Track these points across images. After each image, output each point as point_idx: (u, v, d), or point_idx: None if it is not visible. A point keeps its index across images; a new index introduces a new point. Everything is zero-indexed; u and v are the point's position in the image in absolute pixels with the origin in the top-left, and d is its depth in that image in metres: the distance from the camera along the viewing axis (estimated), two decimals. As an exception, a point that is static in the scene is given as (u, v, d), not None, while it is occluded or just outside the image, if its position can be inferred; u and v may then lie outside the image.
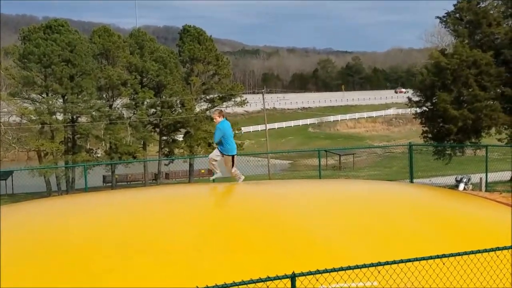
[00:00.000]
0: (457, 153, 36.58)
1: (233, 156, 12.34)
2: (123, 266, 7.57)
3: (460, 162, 36.11)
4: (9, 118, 56.35)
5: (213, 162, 12.35)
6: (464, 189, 20.77)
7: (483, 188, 20.89)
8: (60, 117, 53.05)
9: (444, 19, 40.44)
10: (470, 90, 35.77)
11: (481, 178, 21.47)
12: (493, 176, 25.04)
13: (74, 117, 53.00)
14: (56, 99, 52.87)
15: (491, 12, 37.88)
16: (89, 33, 59.58)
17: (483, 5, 38.23)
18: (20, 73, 50.88)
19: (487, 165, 19.94)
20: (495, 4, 38.42)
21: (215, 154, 12.37)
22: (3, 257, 7.76)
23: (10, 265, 7.53)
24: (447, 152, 35.87)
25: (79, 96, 51.57)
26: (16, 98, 52.22)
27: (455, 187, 21.52)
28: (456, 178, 22.41)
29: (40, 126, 51.89)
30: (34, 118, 51.54)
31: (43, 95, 52.50)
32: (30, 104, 52.76)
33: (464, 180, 21.49)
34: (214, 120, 12.43)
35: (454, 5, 39.59)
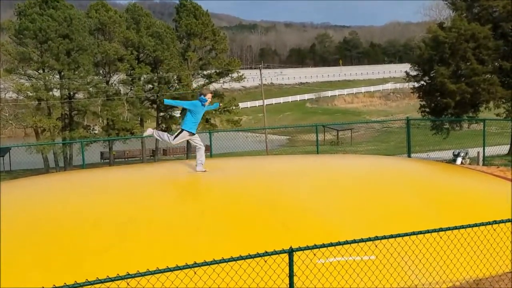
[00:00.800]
0: (455, 127, 36.53)
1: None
2: (121, 244, 7.59)
3: (458, 137, 36.11)
4: (5, 94, 56.12)
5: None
6: (462, 163, 20.79)
7: (481, 162, 20.94)
8: (57, 93, 52.81)
9: (443, -8, 40.10)
10: (468, 64, 35.58)
11: (478, 152, 21.49)
12: (490, 150, 25.12)
13: (71, 93, 52.75)
14: (53, 75, 52.57)
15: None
16: (86, 9, 59.08)
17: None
18: (16, 49, 50.50)
19: (484, 139, 19.95)
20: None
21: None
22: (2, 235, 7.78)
23: (9, 243, 7.55)
24: (445, 126, 35.85)
25: (76, 72, 51.27)
26: (12, 74, 51.91)
27: (452, 161, 21.55)
28: (453, 152, 22.42)
29: (37, 102, 51.68)
30: (30, 94, 51.30)
31: (39, 71, 52.19)
32: (27, 80, 52.46)
33: (462, 154, 21.50)
34: (208, 100, 11.45)
35: (452, -22, 39.24)
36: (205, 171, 10.77)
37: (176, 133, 11.09)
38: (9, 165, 53.30)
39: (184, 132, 10.97)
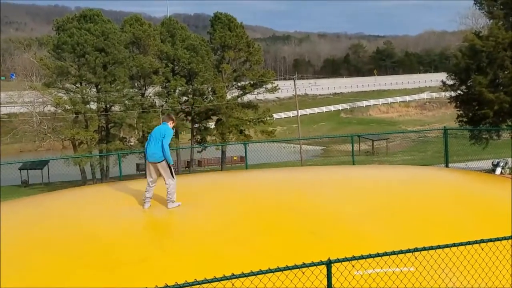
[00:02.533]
0: (493, 136, 35.85)
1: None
2: (155, 255, 7.62)
3: (497, 146, 35.39)
4: (44, 108, 57.26)
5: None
6: (501, 173, 20.38)
7: (521, 172, 20.50)
8: (93, 106, 53.68)
9: (479, 0, 39.56)
10: (506, 72, 34.97)
11: (518, 162, 21.07)
12: (530, 160, 24.52)
13: (108, 106, 53.56)
14: (90, 89, 53.50)
15: (528, -8, 36.91)
16: (120, 23, 60.02)
17: (519, -15, 37.29)
18: (54, 63, 51.56)
19: (524, 148, 19.53)
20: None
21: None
22: (35, 243, 7.89)
23: (39, 254, 7.65)
24: (484, 136, 35.21)
25: (112, 85, 52.08)
26: (51, 88, 52.97)
27: (491, 171, 21.13)
28: (492, 162, 22.01)
29: (74, 115, 52.60)
30: (68, 107, 52.26)
31: (77, 85, 53.17)
32: (65, 94, 53.48)
33: (501, 164, 21.09)
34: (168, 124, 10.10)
35: (489, -14, 38.67)
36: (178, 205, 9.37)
37: (170, 172, 9.68)
38: (47, 177, 54.26)
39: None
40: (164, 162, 9.64)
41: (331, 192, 10.39)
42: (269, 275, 5.91)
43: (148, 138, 10.13)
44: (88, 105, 52.77)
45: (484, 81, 34.37)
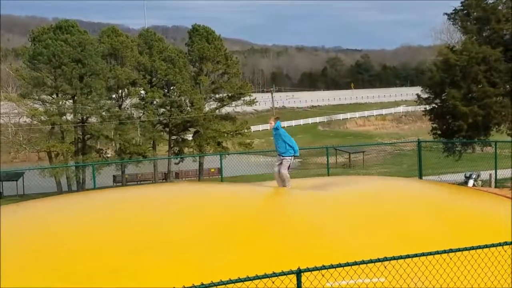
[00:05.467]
0: (467, 150, 36.38)
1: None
2: (130, 264, 7.60)
3: (470, 159, 35.87)
4: (19, 119, 56.70)
5: (288, 175, 11.60)
6: (474, 185, 20.65)
7: (493, 184, 20.78)
8: (70, 117, 53.29)
9: (452, 15, 40.24)
10: (479, 86, 35.59)
11: (490, 175, 21.36)
12: (503, 173, 24.89)
13: (84, 117, 53.20)
14: (66, 100, 53.11)
15: (500, 8, 37.65)
16: (98, 34, 59.81)
17: (491, 1, 38.01)
18: (30, 74, 51.14)
19: (496, 161, 19.83)
20: (504, 0, 38.17)
21: (286, 166, 11.55)
22: (8, 255, 7.82)
23: (14, 264, 7.58)
24: (457, 149, 35.71)
25: (89, 97, 51.76)
26: (26, 99, 52.50)
27: (464, 183, 21.40)
28: (465, 174, 22.29)
29: (50, 127, 52.14)
30: (44, 119, 51.79)
31: (53, 96, 52.75)
32: (40, 105, 53.02)
33: (474, 176, 21.37)
34: (270, 124, 11.78)
35: (462, 2, 39.37)
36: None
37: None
38: (22, 189, 53.58)
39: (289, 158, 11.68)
40: None
41: (304, 201, 10.45)
42: (239, 284, 5.93)
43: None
44: (64, 117, 52.35)
45: (458, 95, 34.93)
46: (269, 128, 12.16)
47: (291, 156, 11.52)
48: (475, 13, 38.36)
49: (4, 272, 7.26)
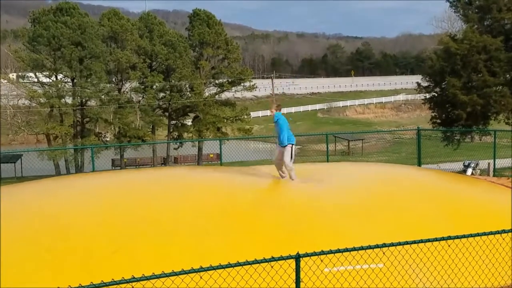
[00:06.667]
0: (466, 139, 36.34)
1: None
2: (128, 247, 7.60)
3: (469, 148, 35.87)
4: (18, 101, 56.55)
5: (292, 166, 11.33)
6: (472, 174, 20.67)
7: (491, 173, 20.79)
8: (69, 100, 53.14)
9: (454, 3, 40.02)
10: (479, 75, 35.46)
11: (489, 164, 21.36)
12: (502, 162, 24.91)
13: (83, 100, 53.05)
14: (65, 83, 52.95)
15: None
16: (98, 17, 59.52)
17: (493, -10, 37.79)
18: (29, 55, 50.92)
19: (495, 150, 19.85)
20: (506, -12, 37.96)
21: (288, 156, 11.21)
22: (4, 236, 7.83)
23: (14, 245, 7.59)
24: (456, 137, 35.68)
25: (88, 80, 51.59)
26: (25, 81, 52.33)
27: (462, 172, 21.43)
28: (464, 163, 22.31)
29: (49, 109, 52.01)
30: (43, 101, 51.66)
31: (52, 78, 52.58)
32: (40, 87, 52.86)
33: (472, 165, 21.39)
34: (271, 112, 11.61)
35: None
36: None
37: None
38: (20, 172, 53.59)
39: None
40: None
41: (303, 187, 10.45)
42: (238, 268, 5.95)
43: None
44: (63, 99, 52.20)
45: (457, 84, 34.83)
46: (269, 114, 12.14)
47: (291, 145, 11.35)
48: (476, 2, 38.16)
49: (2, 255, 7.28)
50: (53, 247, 7.56)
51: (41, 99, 51.51)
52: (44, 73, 51.75)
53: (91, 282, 5.21)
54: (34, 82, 52.53)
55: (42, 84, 52.43)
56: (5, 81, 54.24)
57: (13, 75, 55.75)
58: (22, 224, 8.44)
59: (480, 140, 37.23)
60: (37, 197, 10.19)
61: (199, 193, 9.90)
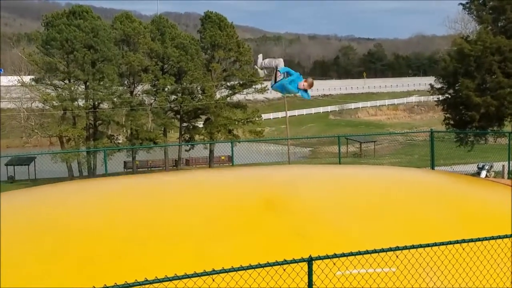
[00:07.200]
0: (479, 140, 36.12)
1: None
2: (133, 251, 7.58)
3: (483, 150, 35.65)
4: (31, 104, 56.96)
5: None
6: (486, 176, 20.56)
7: (506, 175, 20.64)
8: (81, 103, 53.47)
9: (468, 5, 39.83)
10: (493, 77, 35.29)
11: (503, 166, 21.21)
12: (517, 165, 24.78)
13: (96, 103, 53.34)
14: (78, 85, 53.27)
15: (516, -3, 37.22)
16: (111, 20, 59.84)
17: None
18: (43, 59, 51.28)
19: (509, 152, 19.66)
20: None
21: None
22: (15, 240, 7.85)
23: (20, 248, 7.60)
24: (469, 139, 35.47)
25: (101, 83, 51.90)
26: (39, 84, 52.70)
27: (476, 174, 21.29)
28: (477, 165, 22.19)
29: (62, 112, 52.34)
30: (56, 104, 51.99)
31: (65, 81, 52.91)
32: (53, 90, 53.21)
33: (486, 167, 21.29)
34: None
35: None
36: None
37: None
38: (34, 174, 53.93)
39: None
40: None
41: (315, 189, 10.40)
42: (250, 271, 5.92)
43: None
44: (76, 102, 52.53)
45: (471, 85, 34.66)
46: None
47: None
48: (490, 2, 37.96)
49: (11, 256, 7.30)
50: (53, 249, 7.57)
51: (54, 102, 51.87)
52: (57, 76, 52.10)
53: (105, 285, 5.20)
54: (48, 85, 52.90)
55: (56, 87, 52.79)
56: (19, 84, 54.67)
57: (27, 78, 56.15)
58: (25, 225, 8.46)
59: (495, 142, 36.97)
60: (50, 200, 10.23)
61: (206, 195, 9.88)
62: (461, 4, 40.61)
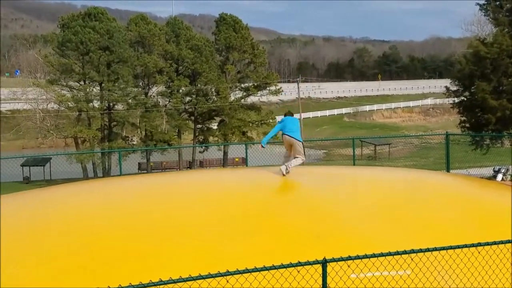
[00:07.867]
0: (496, 144, 35.81)
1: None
2: (148, 250, 7.59)
3: (499, 153, 35.30)
4: (47, 105, 57.37)
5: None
6: (502, 179, 20.36)
7: (522, 179, 20.45)
8: (96, 104, 53.78)
9: (484, 7, 39.56)
10: (510, 79, 35.02)
11: (520, 169, 21.03)
12: (533, 168, 24.54)
13: (111, 104, 53.61)
14: (93, 87, 53.59)
15: (533, -1, 36.94)
16: (126, 22, 60.14)
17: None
18: (58, 60, 51.66)
19: (526, 155, 19.51)
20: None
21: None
22: (31, 238, 7.89)
23: (36, 247, 7.64)
24: (485, 142, 35.19)
25: (116, 84, 52.16)
26: (54, 85, 53.07)
27: (492, 177, 21.11)
28: (494, 168, 22.00)
29: (77, 113, 52.67)
30: (71, 105, 52.33)
31: (80, 83, 53.24)
32: (68, 91, 53.56)
33: (502, 170, 21.10)
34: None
35: (494, -7, 38.68)
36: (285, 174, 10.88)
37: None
38: (49, 174, 54.29)
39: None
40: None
41: (330, 190, 10.36)
42: (264, 273, 5.90)
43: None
44: (91, 103, 52.85)
45: (487, 88, 34.40)
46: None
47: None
48: (507, 5, 37.68)
49: (25, 255, 7.34)
50: (73, 249, 7.59)
51: (69, 103, 52.21)
52: (73, 77, 52.46)
53: (120, 285, 5.21)
54: (63, 86, 53.27)
55: (71, 88, 53.15)
56: (35, 85, 55.09)
57: (42, 79, 56.61)
58: (46, 225, 8.50)
59: (511, 145, 36.68)
60: (62, 199, 10.28)
61: (221, 196, 9.88)
62: (478, 4, 40.33)
